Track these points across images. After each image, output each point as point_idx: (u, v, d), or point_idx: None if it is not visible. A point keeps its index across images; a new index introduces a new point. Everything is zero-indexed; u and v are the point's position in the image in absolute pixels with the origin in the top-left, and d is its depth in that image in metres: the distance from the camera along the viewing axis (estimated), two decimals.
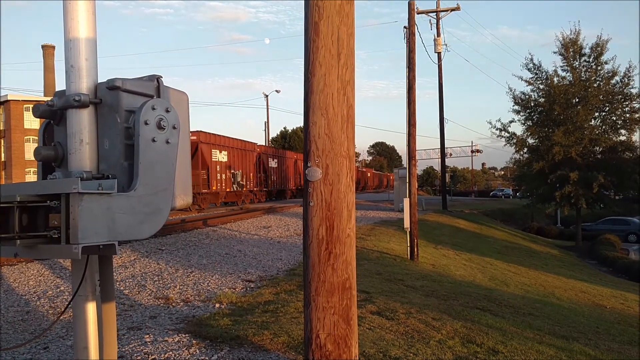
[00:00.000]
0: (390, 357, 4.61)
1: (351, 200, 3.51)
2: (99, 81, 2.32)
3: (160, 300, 7.15)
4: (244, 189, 32.95)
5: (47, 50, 67.34)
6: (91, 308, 2.24)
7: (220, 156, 29.47)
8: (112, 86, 2.22)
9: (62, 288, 7.82)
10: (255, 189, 35.23)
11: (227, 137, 31.54)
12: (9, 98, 56.69)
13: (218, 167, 29.06)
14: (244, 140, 34.48)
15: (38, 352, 4.98)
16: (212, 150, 28.58)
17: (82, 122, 2.25)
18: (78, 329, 2.25)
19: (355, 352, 3.55)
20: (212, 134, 29.53)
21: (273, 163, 39.22)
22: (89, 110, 2.25)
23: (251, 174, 34.46)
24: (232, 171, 31.07)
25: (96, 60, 2.32)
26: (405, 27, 14.02)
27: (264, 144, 49.10)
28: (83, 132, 2.25)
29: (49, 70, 67.49)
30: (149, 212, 2.18)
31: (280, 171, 40.57)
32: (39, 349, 5.06)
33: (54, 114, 2.33)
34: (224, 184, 29.65)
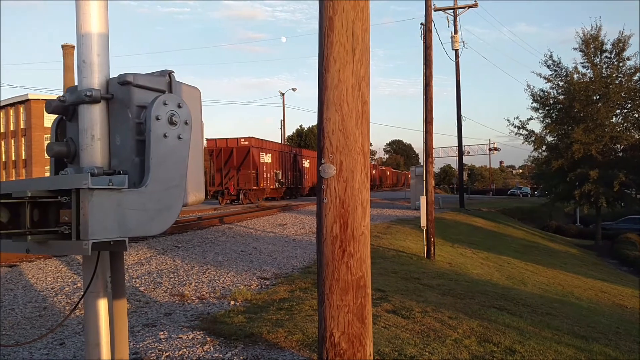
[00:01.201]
0: (406, 356, 4.56)
1: (365, 198, 3.47)
2: (111, 77, 2.31)
3: (175, 297, 7.17)
4: (284, 186, 38.02)
5: (67, 50, 67.98)
6: (102, 305, 2.23)
7: (266, 158, 34.47)
8: (124, 81, 2.20)
9: (78, 284, 7.88)
10: (292, 186, 40.22)
11: (271, 141, 37.52)
12: (29, 97, 57.58)
13: (265, 167, 34.10)
14: (283, 144, 42.25)
15: (54, 348, 5.01)
16: (260, 153, 33.48)
17: (94, 118, 2.24)
18: (89, 326, 2.24)
19: (369, 351, 3.51)
20: (260, 139, 34.77)
21: (306, 163, 44.25)
22: (100, 105, 2.24)
23: (289, 173, 39.62)
24: (275, 171, 36.21)
25: (108, 56, 2.31)
26: (422, 24, 13.91)
27: (299, 147, 54.80)
28: (94, 128, 2.24)
29: (68, 69, 68.14)
30: (159, 208, 2.16)
31: (311, 170, 45.09)
32: (55, 345, 5.10)
33: (66, 109, 2.33)
34: (268, 182, 34.73)
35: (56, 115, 2.45)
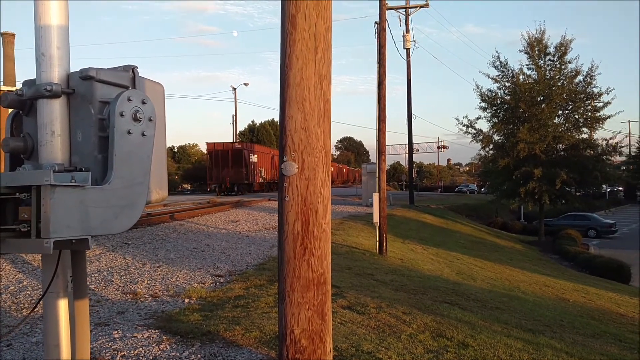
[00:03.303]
0: (363, 352, 4.62)
1: (327, 195, 3.49)
2: (71, 71, 2.25)
3: (127, 295, 7.02)
4: (265, 181, 45.67)
5: (7, 39, 65.03)
6: (63, 305, 2.17)
7: (254, 158, 42.42)
8: (86, 76, 2.15)
9: (24, 283, 7.60)
10: (270, 181, 47.41)
11: (258, 145, 50.19)
12: None
13: (252, 166, 41.94)
14: (265, 146, 51.94)
15: (1, 350, 4.82)
16: (250, 154, 41.66)
17: (54, 113, 2.17)
18: (49, 326, 2.18)
19: (329, 348, 3.54)
20: (250, 143, 48.37)
21: None
22: (60, 100, 2.18)
23: (269, 171, 47.35)
24: (260, 168, 44.13)
25: (68, 49, 2.25)
26: (376, 22, 14.04)
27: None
28: (54, 124, 2.17)
29: (8, 59, 65.22)
30: (123, 205, 2.13)
31: None
32: (2, 346, 4.90)
33: (23, 103, 2.25)
34: (255, 178, 42.69)
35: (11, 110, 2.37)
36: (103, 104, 2.18)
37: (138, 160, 2.19)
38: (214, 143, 42.11)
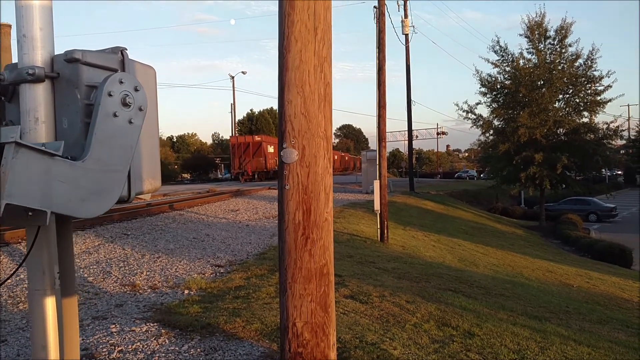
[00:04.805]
0: (367, 343, 4.51)
1: (328, 183, 3.36)
2: (56, 53, 2.10)
3: (126, 287, 6.91)
4: None
5: (4, 29, 64.58)
6: (50, 303, 2.04)
7: (271, 149, 47.21)
8: (71, 58, 2.00)
9: (22, 276, 7.48)
10: None
11: (274, 137, 51.79)
12: None
13: (270, 156, 47.05)
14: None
15: None
16: (268, 145, 46.95)
17: (37, 99, 2.03)
18: (36, 326, 2.05)
19: (333, 340, 3.42)
20: (268, 136, 52.58)
21: None
22: (44, 85, 2.04)
23: None
24: (275, 158, 45.86)
25: (52, 30, 2.10)
26: (375, 7, 13.82)
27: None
28: (38, 110, 2.03)
29: (5, 50, 64.79)
30: (95, 190, 1.97)
31: None
32: None
33: (5, 89, 2.11)
34: (272, 166, 47.12)
35: None
36: (90, 89, 2.05)
37: (120, 147, 2.05)
38: (237, 136, 50.32)
